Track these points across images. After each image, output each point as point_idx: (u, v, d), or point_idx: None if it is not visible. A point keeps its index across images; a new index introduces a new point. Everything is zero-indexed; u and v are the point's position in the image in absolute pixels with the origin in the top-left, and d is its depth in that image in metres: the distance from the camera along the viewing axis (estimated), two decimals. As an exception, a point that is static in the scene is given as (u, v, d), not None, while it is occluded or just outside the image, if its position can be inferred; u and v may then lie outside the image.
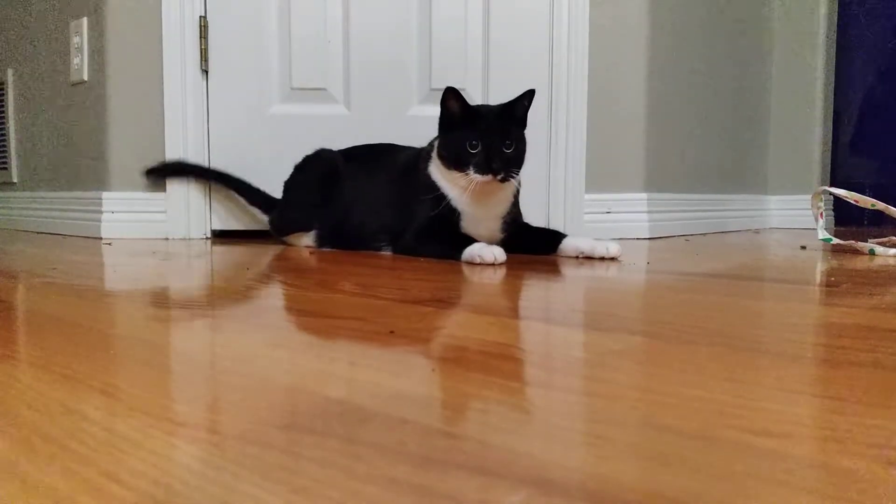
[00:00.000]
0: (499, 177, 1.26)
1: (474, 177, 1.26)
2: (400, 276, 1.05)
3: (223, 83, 1.84)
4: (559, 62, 1.83)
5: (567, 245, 1.35)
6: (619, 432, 0.34)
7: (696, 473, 0.29)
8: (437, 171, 1.35)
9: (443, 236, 1.34)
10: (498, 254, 1.21)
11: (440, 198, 1.33)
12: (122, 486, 0.28)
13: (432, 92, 1.81)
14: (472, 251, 1.24)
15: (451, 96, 1.30)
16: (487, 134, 1.28)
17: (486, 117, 1.31)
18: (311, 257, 1.32)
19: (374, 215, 1.47)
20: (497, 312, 0.70)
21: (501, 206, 1.37)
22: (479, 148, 1.27)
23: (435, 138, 1.38)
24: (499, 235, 1.38)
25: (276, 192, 1.84)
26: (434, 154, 1.36)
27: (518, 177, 1.35)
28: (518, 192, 1.40)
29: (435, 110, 1.36)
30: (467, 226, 1.34)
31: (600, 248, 1.28)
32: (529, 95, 1.35)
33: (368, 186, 1.51)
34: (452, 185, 1.32)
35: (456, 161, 1.29)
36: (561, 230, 1.85)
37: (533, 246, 1.40)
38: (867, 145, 2.68)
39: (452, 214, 1.34)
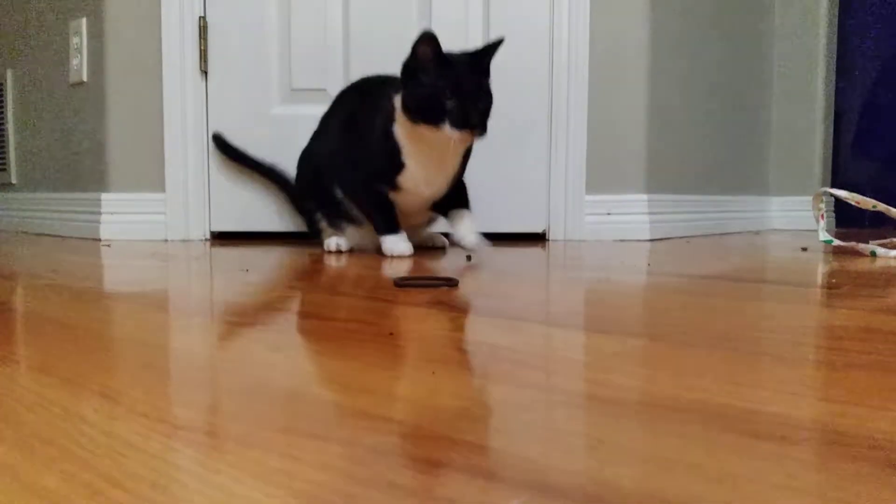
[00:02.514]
0: (476, 133, 1.19)
1: (451, 133, 1.18)
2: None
3: (223, 84, 1.84)
4: (559, 63, 1.83)
5: (451, 217, 1.34)
6: (620, 435, 0.34)
7: (697, 477, 0.29)
8: (401, 131, 1.27)
9: (383, 201, 1.31)
10: (404, 249, 1.28)
11: (399, 161, 1.27)
12: (122, 489, 0.28)
13: (432, 93, 1.81)
14: (387, 243, 1.29)
15: (427, 42, 1.18)
16: (463, 85, 1.18)
17: (460, 67, 1.20)
18: (309, 259, 1.32)
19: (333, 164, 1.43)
20: (496, 314, 0.70)
21: (454, 166, 1.31)
22: (455, 101, 1.17)
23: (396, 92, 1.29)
24: (438, 196, 1.33)
25: (278, 192, 1.85)
26: (398, 108, 1.26)
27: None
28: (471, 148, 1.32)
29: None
30: (415, 186, 1.29)
31: (466, 240, 1.29)
32: (498, 44, 1.26)
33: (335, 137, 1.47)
34: (414, 144, 1.25)
35: (427, 115, 1.19)
36: (561, 231, 1.85)
37: (443, 208, 1.36)
38: (869, 147, 2.68)
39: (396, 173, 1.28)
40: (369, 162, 1.32)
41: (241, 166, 1.81)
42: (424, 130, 1.21)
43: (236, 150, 1.79)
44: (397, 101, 1.26)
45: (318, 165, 1.48)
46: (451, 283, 0.92)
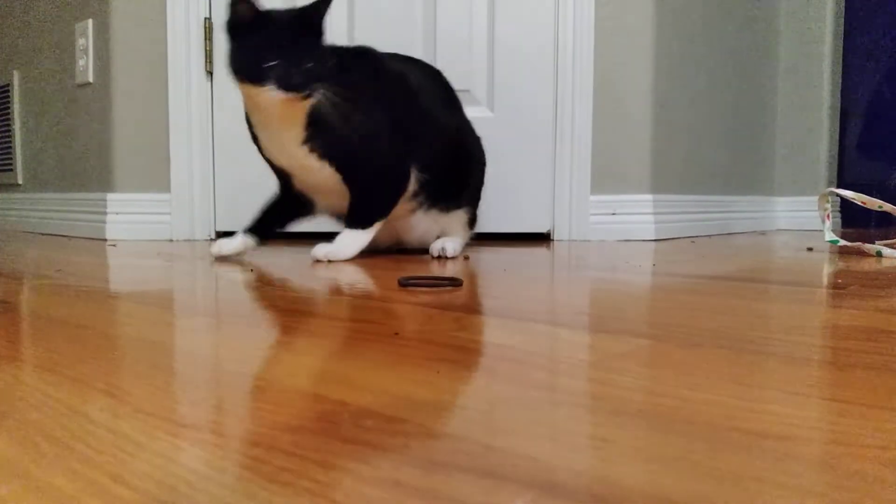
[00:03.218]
0: (301, 93, 1.13)
1: (275, 93, 1.13)
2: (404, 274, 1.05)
3: (228, 85, 1.84)
4: (564, 63, 1.83)
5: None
6: (625, 435, 0.34)
7: (703, 476, 0.29)
8: (245, 102, 1.22)
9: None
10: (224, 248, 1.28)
11: (253, 134, 1.25)
12: (127, 488, 0.28)
13: (437, 93, 1.81)
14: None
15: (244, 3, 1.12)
16: (285, 43, 1.12)
17: (283, 24, 1.15)
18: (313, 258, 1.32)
19: None
20: (500, 314, 0.70)
21: (298, 131, 1.21)
22: (278, 59, 1.11)
23: None
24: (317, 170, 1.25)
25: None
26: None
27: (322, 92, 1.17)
28: (324, 108, 1.19)
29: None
30: (273, 157, 1.26)
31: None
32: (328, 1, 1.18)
33: None
34: (253, 111, 1.21)
35: (250, 74, 1.13)
36: (566, 231, 1.85)
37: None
38: (875, 146, 2.67)
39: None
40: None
41: None
42: (251, 92, 1.15)
43: None
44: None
45: None
46: (456, 282, 0.92)
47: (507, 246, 1.63)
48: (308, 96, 1.14)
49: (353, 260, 1.30)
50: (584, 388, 0.43)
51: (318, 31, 1.17)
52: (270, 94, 1.13)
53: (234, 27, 1.15)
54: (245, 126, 1.82)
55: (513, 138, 1.84)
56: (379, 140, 1.28)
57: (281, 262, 1.28)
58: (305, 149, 1.22)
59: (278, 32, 1.14)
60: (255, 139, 1.28)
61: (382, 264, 1.22)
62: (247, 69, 1.14)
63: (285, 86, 1.12)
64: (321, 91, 1.15)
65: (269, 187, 1.84)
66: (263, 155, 1.29)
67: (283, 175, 1.32)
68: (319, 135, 1.21)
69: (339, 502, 0.27)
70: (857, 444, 0.33)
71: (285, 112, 1.18)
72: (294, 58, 1.13)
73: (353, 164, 1.26)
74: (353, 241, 1.30)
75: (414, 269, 1.13)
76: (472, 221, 1.47)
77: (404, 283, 0.91)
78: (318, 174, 1.26)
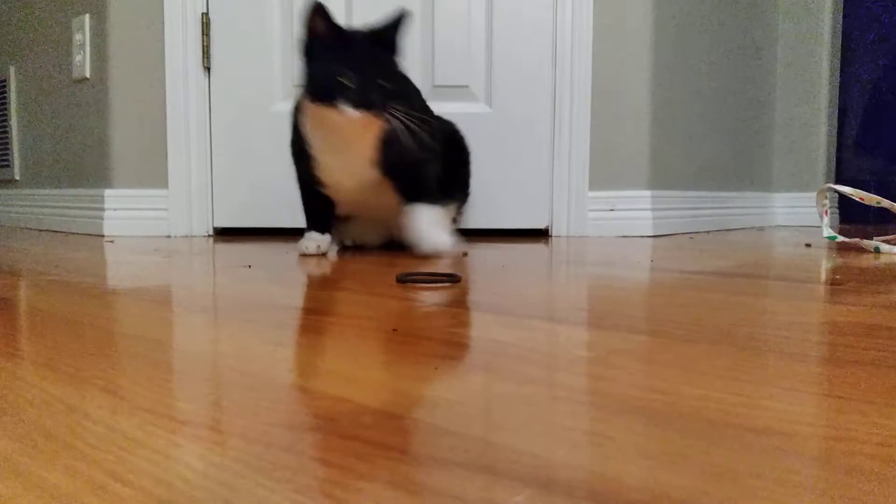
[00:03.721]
0: (376, 112, 1.11)
1: (350, 112, 1.10)
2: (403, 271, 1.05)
3: (225, 80, 1.84)
4: (562, 59, 1.83)
5: (407, 214, 1.24)
6: (623, 431, 0.34)
7: (701, 473, 0.29)
8: (308, 121, 1.19)
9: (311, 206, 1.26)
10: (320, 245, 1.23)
11: (309, 155, 1.20)
12: (125, 485, 0.28)
13: (435, 89, 1.81)
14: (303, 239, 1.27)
15: (317, 14, 1.11)
16: (361, 60, 1.10)
17: (358, 41, 1.13)
18: (311, 256, 1.32)
19: None
20: (498, 310, 0.70)
21: (368, 151, 1.19)
22: (353, 78, 1.09)
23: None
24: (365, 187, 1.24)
25: (281, 187, 1.84)
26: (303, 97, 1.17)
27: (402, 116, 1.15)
28: (400, 130, 1.17)
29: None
30: (332, 178, 1.22)
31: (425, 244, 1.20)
32: (402, 19, 1.15)
33: None
34: (320, 131, 1.17)
35: (324, 94, 1.11)
36: (564, 227, 1.85)
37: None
38: (873, 142, 2.67)
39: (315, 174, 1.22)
40: (295, 160, 1.28)
41: None
42: (325, 112, 1.13)
43: None
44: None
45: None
46: (454, 279, 0.92)
47: (506, 242, 1.63)
48: (382, 115, 1.12)
49: (349, 257, 1.30)
50: (581, 384, 0.43)
51: (393, 50, 1.15)
52: (346, 114, 1.10)
53: (309, 44, 1.13)
54: (246, 121, 1.80)
55: (511, 134, 1.84)
56: (435, 158, 1.30)
57: (276, 258, 1.28)
58: (375, 170, 1.20)
59: (355, 50, 1.11)
60: (306, 161, 1.22)
61: (378, 260, 1.22)
62: (323, 89, 1.11)
63: (362, 104, 1.09)
64: (395, 110, 1.13)
65: (267, 183, 1.84)
66: (313, 175, 1.23)
67: (327, 196, 1.28)
68: (390, 155, 1.19)
69: (337, 499, 0.27)
70: (855, 440, 0.33)
71: (359, 132, 1.15)
72: (370, 76, 1.10)
73: (412, 183, 1.26)
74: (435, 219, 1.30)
75: (408, 266, 1.13)
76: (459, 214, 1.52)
77: (403, 280, 0.91)
78: (376, 193, 1.25)
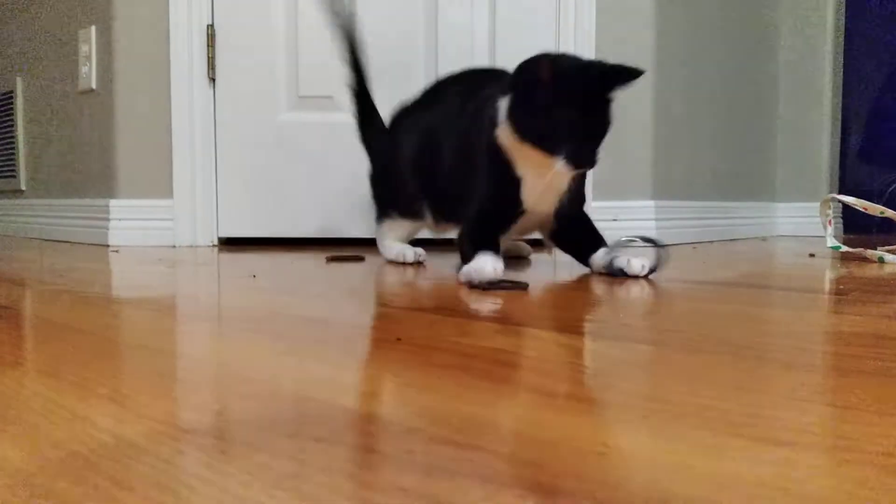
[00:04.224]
0: (586, 168, 1.10)
1: (562, 168, 1.07)
2: (410, 284, 1.05)
3: (230, 91, 1.85)
4: (566, 70, 1.83)
5: (597, 259, 1.17)
6: (627, 441, 0.34)
7: (705, 482, 0.29)
8: (507, 140, 1.13)
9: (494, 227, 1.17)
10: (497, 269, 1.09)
11: (509, 171, 1.13)
12: (131, 493, 0.28)
13: (439, 99, 1.81)
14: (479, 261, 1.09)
15: (546, 66, 1.06)
16: (583, 118, 1.06)
17: (583, 93, 1.07)
18: (313, 263, 1.32)
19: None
20: (502, 321, 0.70)
21: (563, 186, 1.17)
22: (572, 135, 1.06)
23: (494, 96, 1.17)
24: (552, 216, 1.20)
25: (285, 197, 1.85)
26: (503, 119, 1.12)
27: None
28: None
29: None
30: (533, 203, 1.16)
31: (635, 266, 1.11)
32: (638, 75, 1.08)
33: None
34: (522, 154, 1.12)
35: (540, 142, 1.07)
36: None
37: (573, 247, 1.24)
38: (877, 152, 2.67)
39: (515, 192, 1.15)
40: (482, 186, 1.20)
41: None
42: (536, 157, 1.10)
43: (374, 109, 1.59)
44: (502, 105, 1.14)
45: (401, 164, 1.40)
46: (521, 286, 0.95)
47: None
48: (589, 169, 1.12)
49: (355, 265, 1.30)
50: (585, 393, 0.43)
51: (610, 100, 1.11)
52: (558, 169, 1.08)
53: (527, 84, 1.09)
54: (251, 131, 1.80)
55: (514, 144, 1.84)
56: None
57: (284, 268, 1.28)
58: (558, 202, 1.18)
59: (575, 102, 1.07)
60: (508, 182, 1.17)
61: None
62: (539, 138, 1.08)
63: (576, 165, 1.08)
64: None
65: (272, 194, 1.85)
66: (516, 196, 1.17)
67: (509, 223, 1.22)
68: (572, 190, 1.19)
69: (341, 507, 0.27)
70: (859, 450, 0.33)
71: (564, 177, 1.14)
72: (589, 137, 1.08)
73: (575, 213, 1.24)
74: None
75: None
76: None
77: (474, 286, 0.96)
78: (544, 219, 1.23)
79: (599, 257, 1.17)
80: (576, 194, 1.21)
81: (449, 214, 1.34)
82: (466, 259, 1.10)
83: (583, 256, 1.21)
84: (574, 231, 1.24)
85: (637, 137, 1.86)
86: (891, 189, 2.15)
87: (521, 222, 1.22)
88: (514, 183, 1.15)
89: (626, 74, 1.08)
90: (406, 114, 1.44)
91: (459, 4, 1.83)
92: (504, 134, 1.13)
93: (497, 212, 1.20)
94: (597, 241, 1.21)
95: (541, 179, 1.13)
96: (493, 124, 1.15)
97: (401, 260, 1.35)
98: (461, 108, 1.30)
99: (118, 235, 1.82)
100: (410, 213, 1.40)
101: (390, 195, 1.45)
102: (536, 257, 1.51)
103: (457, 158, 1.28)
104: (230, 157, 1.85)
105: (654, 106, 1.86)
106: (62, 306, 0.79)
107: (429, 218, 1.38)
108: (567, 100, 1.07)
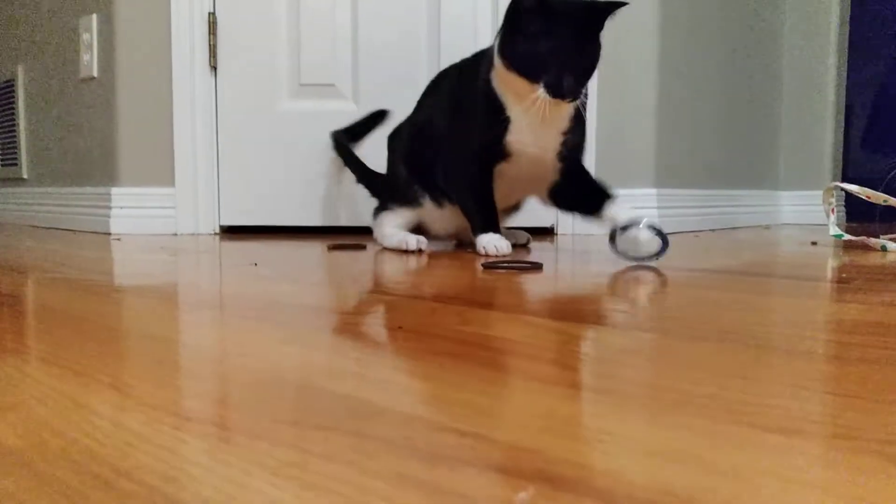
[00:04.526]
0: (568, 100, 1.11)
1: (542, 95, 1.09)
2: (413, 271, 1.05)
3: (232, 79, 1.85)
4: (568, 57, 1.82)
5: (610, 214, 1.18)
6: (628, 429, 0.34)
7: (706, 470, 0.29)
8: (499, 80, 1.17)
9: (486, 183, 1.20)
10: (502, 246, 1.20)
11: (499, 113, 1.16)
12: (131, 481, 0.28)
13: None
14: (483, 240, 1.22)
15: None
16: (567, 45, 1.08)
17: (569, 22, 1.09)
18: (314, 251, 1.32)
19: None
20: (504, 308, 0.70)
21: (561, 124, 1.18)
22: (555, 63, 1.08)
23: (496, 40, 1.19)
24: (555, 163, 1.21)
25: (287, 185, 1.84)
26: (496, 54, 1.15)
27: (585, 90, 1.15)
28: (584, 106, 1.18)
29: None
30: (522, 146, 1.18)
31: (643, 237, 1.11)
32: (621, 4, 1.11)
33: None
34: (515, 95, 1.14)
35: (523, 68, 1.10)
36: (570, 225, 1.85)
37: (578, 201, 1.23)
38: (880, 140, 2.66)
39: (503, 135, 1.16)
40: (469, 130, 1.22)
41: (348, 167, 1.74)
42: (519, 84, 1.13)
43: (352, 152, 1.70)
44: (495, 44, 1.17)
45: (413, 145, 1.42)
46: (536, 266, 0.99)
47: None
48: (573, 101, 1.13)
49: (355, 254, 1.30)
50: (587, 381, 0.43)
51: (598, 31, 1.13)
52: (539, 96, 1.10)
53: (514, 13, 1.12)
54: (252, 119, 1.80)
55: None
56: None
57: (293, 255, 1.28)
58: (560, 144, 1.19)
59: (560, 31, 1.09)
60: (496, 125, 1.18)
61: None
62: (520, 64, 1.10)
63: (555, 93, 1.09)
64: (583, 93, 1.14)
65: (273, 182, 1.85)
66: (502, 141, 1.19)
67: (493, 164, 1.23)
68: (574, 132, 1.19)
69: (343, 495, 0.27)
70: (861, 438, 0.33)
71: (554, 110, 1.14)
72: (571, 65, 1.09)
73: (576, 163, 1.25)
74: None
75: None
76: None
77: (489, 266, 1.01)
78: (544, 167, 1.22)
79: (614, 212, 1.17)
80: (575, 145, 1.21)
81: (446, 186, 1.35)
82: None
83: (590, 209, 1.20)
84: (577, 184, 1.23)
85: (639, 125, 1.85)
86: (891, 175, 2.15)
87: (521, 171, 1.23)
88: (504, 120, 1.17)
89: (611, 5, 1.12)
90: (399, 128, 1.49)
91: (461, -9, 1.82)
92: (495, 73, 1.16)
93: (487, 149, 1.21)
94: (604, 192, 1.21)
95: (531, 116, 1.14)
96: (489, 68, 1.19)
97: (402, 247, 1.35)
98: (456, 81, 1.33)
99: (120, 223, 1.82)
100: (408, 200, 1.41)
101: (389, 189, 1.47)
102: (535, 245, 1.51)
103: (451, 117, 1.30)
104: (232, 146, 1.85)
105: (657, 94, 1.85)
106: (63, 294, 0.79)
107: (427, 203, 1.38)
108: (552, 28, 1.09)
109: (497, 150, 1.20)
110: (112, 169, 1.86)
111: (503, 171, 1.24)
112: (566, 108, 1.17)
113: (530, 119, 1.16)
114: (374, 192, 1.61)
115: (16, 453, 0.31)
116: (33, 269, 1.05)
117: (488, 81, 1.19)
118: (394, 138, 1.49)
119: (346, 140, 1.70)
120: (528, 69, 1.11)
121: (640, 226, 1.11)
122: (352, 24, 1.83)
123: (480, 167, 1.24)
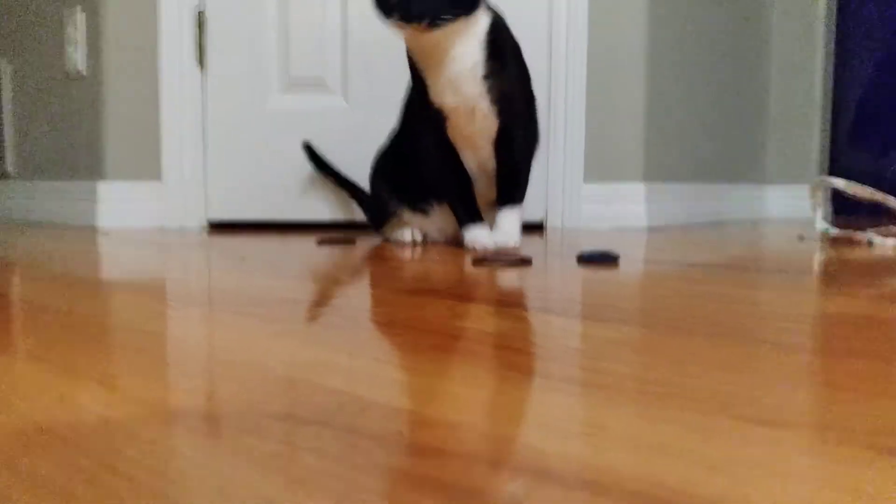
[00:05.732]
0: (422, 24, 1.02)
1: (395, 26, 1.04)
2: (403, 266, 1.05)
3: (220, 75, 1.84)
4: (557, 52, 1.83)
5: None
6: (618, 422, 0.34)
7: (695, 463, 0.29)
8: (406, 47, 1.15)
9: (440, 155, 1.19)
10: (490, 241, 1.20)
11: (418, 76, 1.14)
12: (119, 476, 0.28)
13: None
14: (469, 236, 1.21)
15: None
16: None
17: None
18: (300, 247, 1.32)
19: None
20: (494, 302, 0.70)
21: (467, 61, 1.10)
22: None
23: None
24: (490, 117, 1.15)
25: (274, 181, 1.84)
26: None
27: (467, 14, 1.05)
28: (495, 31, 1.11)
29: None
30: (441, 99, 1.12)
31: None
32: None
33: None
34: (415, 54, 1.11)
35: (378, 6, 1.05)
36: (559, 220, 1.85)
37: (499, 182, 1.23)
38: (867, 136, 2.67)
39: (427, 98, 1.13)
40: (415, 105, 1.21)
41: (326, 177, 1.78)
42: (395, 32, 1.08)
43: (324, 161, 1.74)
44: None
45: (390, 157, 1.42)
46: (526, 261, 1.00)
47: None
48: (433, 25, 1.03)
49: (355, 251, 1.30)
50: (576, 375, 0.43)
51: None
52: (392, 28, 1.05)
53: None
54: (241, 116, 1.79)
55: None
56: (532, 96, 1.26)
57: (283, 249, 1.27)
58: (483, 87, 1.12)
59: None
60: (419, 77, 1.15)
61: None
62: (378, 4, 1.07)
63: (402, 17, 1.03)
64: (490, 11, 1.08)
65: (261, 177, 1.84)
66: (432, 113, 1.15)
67: (442, 132, 1.19)
68: (496, 71, 1.13)
69: (332, 490, 0.27)
70: (848, 429, 0.33)
71: (434, 47, 1.08)
72: None
73: (515, 118, 1.20)
74: (517, 221, 1.26)
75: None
76: None
77: (478, 261, 1.01)
78: (483, 122, 1.16)
79: (498, 222, 1.22)
80: (504, 93, 1.14)
81: (425, 176, 1.32)
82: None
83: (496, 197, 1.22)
84: (502, 170, 1.22)
85: (629, 120, 1.86)
86: (892, 169, 2.16)
87: (463, 133, 1.18)
88: (421, 80, 1.15)
89: None
90: (379, 150, 1.48)
91: None
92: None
93: (428, 119, 1.18)
94: (511, 194, 1.23)
95: (427, 64, 1.11)
96: None
97: (398, 239, 1.35)
98: None
99: (106, 217, 1.81)
100: (395, 219, 1.40)
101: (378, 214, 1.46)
102: (525, 240, 1.51)
103: (406, 106, 1.31)
104: (220, 141, 1.84)
105: (647, 89, 1.86)
106: (50, 289, 0.79)
107: (413, 217, 1.39)
108: None
109: (432, 114, 1.16)
110: (99, 163, 1.85)
111: (455, 139, 1.20)
112: (452, 41, 1.08)
113: (430, 68, 1.10)
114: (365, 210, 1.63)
115: (1, 450, 0.31)
116: (19, 264, 1.04)
117: (408, 51, 1.17)
118: (375, 162, 1.47)
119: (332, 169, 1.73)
120: (381, 4, 1.06)
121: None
122: (341, 20, 1.83)
123: (436, 142, 1.20)
